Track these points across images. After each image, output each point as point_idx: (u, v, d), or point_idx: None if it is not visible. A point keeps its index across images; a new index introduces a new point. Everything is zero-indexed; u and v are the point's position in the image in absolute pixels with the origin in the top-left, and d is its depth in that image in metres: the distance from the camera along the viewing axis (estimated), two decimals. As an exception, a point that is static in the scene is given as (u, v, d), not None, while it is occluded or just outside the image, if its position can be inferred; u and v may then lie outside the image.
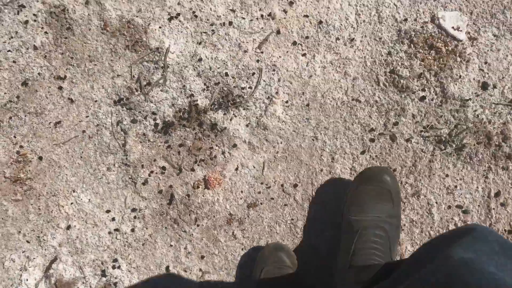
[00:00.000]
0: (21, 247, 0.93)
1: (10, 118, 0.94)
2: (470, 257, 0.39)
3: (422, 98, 0.92)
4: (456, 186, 0.90)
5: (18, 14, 0.97)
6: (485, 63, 0.92)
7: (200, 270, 0.92)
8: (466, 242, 0.41)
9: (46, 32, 0.96)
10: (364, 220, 0.78)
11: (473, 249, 0.40)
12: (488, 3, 0.94)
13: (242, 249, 0.92)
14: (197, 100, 0.93)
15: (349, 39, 0.94)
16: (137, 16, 0.96)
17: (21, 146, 0.94)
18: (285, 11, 0.95)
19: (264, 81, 0.94)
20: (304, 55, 0.95)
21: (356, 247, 0.75)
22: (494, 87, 0.92)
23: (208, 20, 0.96)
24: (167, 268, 0.93)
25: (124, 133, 0.94)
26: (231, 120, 0.93)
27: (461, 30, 0.93)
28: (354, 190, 0.82)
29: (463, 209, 0.89)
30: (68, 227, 0.93)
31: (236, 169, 0.93)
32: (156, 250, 0.93)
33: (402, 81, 0.93)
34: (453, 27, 0.93)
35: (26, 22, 0.96)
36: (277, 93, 0.94)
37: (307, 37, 0.95)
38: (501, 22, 0.93)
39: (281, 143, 0.93)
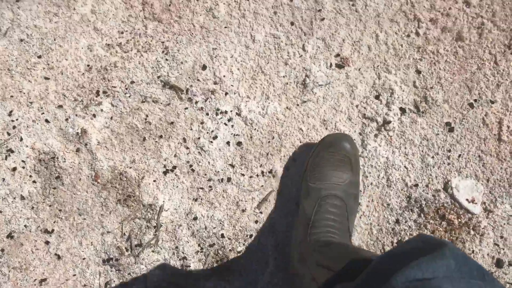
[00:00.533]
0: None
1: (-6, 273, 0.90)
2: (428, 277, 0.40)
3: (431, 274, 0.86)
4: None
5: (6, 159, 0.92)
6: (501, 237, 0.86)
7: None
8: (427, 260, 0.42)
9: (34, 181, 0.91)
10: (323, 189, 0.78)
11: (431, 268, 0.41)
12: (506, 170, 0.87)
13: None
14: (190, 265, 0.88)
15: (354, 204, 0.88)
16: (130, 168, 0.91)
17: (3, 304, 0.89)
18: (287, 168, 0.89)
19: (261, 243, 0.89)
20: (306, 218, 0.88)
21: (315, 218, 0.77)
22: (510, 264, 0.85)
23: (205, 175, 0.90)
24: None
25: (112, 297, 0.89)
26: (225, 289, 0.87)
27: (476, 203, 0.86)
28: (315, 157, 0.82)
29: None
30: None
31: None
32: None
33: (410, 254, 0.86)
34: (467, 199, 0.86)
35: (14, 169, 0.91)
36: (275, 258, 0.88)
37: (310, 199, 0.88)
38: (520, 193, 0.86)
39: (277, 315, 0.88)
